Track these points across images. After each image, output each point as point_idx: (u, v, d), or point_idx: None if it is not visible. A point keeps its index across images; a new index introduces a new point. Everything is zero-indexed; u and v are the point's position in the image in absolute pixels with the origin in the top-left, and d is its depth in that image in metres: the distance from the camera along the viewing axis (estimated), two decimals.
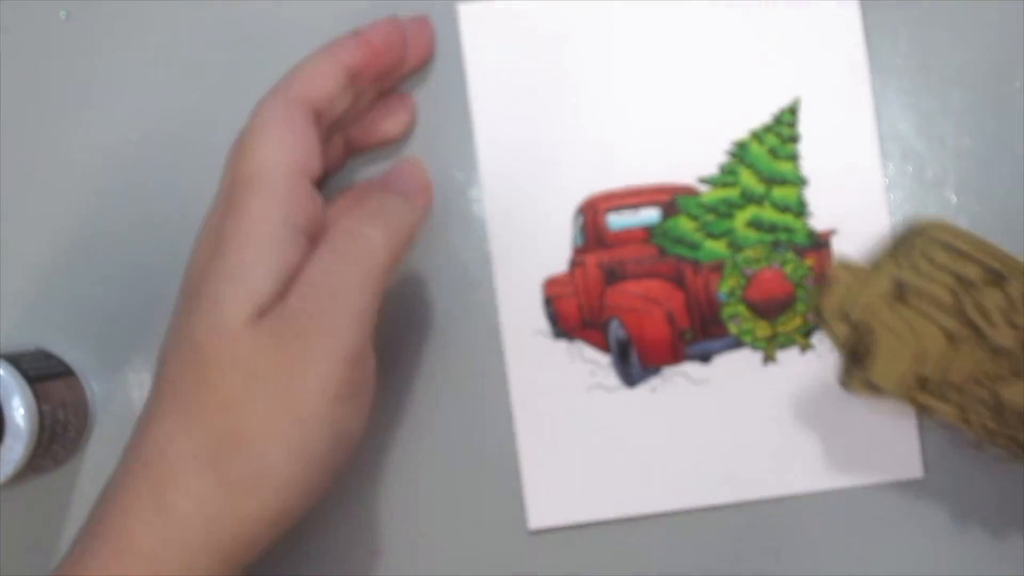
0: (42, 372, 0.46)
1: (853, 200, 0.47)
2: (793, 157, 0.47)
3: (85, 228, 0.49)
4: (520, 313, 0.48)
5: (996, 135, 0.48)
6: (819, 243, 0.47)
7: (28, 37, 0.49)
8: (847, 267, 0.46)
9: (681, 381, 0.48)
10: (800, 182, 0.47)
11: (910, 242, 0.45)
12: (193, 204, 0.48)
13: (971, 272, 0.45)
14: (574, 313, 0.48)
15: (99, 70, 0.49)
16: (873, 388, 0.45)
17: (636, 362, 0.48)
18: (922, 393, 0.45)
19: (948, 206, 0.48)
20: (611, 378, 0.48)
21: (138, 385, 0.49)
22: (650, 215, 0.47)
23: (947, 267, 0.44)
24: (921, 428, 0.47)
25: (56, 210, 0.49)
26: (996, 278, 0.44)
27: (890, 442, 0.47)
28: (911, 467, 0.47)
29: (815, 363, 0.47)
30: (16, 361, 0.45)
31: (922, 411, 0.46)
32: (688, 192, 0.47)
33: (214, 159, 0.48)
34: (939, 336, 0.45)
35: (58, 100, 0.49)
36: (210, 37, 0.49)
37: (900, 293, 0.44)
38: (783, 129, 0.47)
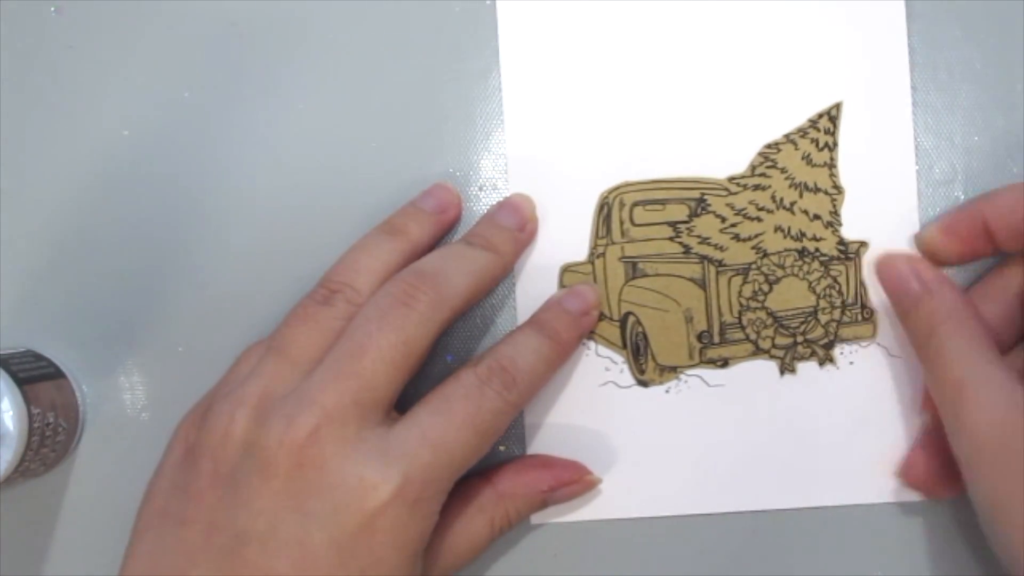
0: (32, 374, 0.45)
1: (884, 211, 0.47)
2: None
3: (75, 228, 0.48)
4: (537, 302, 0.47)
5: (1005, 132, 0.47)
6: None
7: (18, 32, 0.48)
8: (575, 271, 0.47)
9: (696, 384, 0.47)
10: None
11: (608, 218, 0.46)
12: (186, 202, 0.48)
13: (677, 212, 0.46)
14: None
15: (90, 66, 0.48)
16: (669, 370, 0.46)
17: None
18: (712, 348, 0.46)
19: (956, 204, 0.47)
20: (625, 375, 0.47)
21: (129, 388, 0.48)
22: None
23: (654, 220, 0.46)
24: None
25: (46, 210, 0.48)
26: (700, 205, 0.46)
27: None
28: None
29: (833, 376, 0.47)
30: (5, 363, 0.44)
31: (724, 365, 0.47)
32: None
33: (207, 157, 0.48)
34: (690, 287, 0.47)
35: (49, 99, 0.48)
36: (201, 32, 0.48)
37: (634, 269, 0.46)
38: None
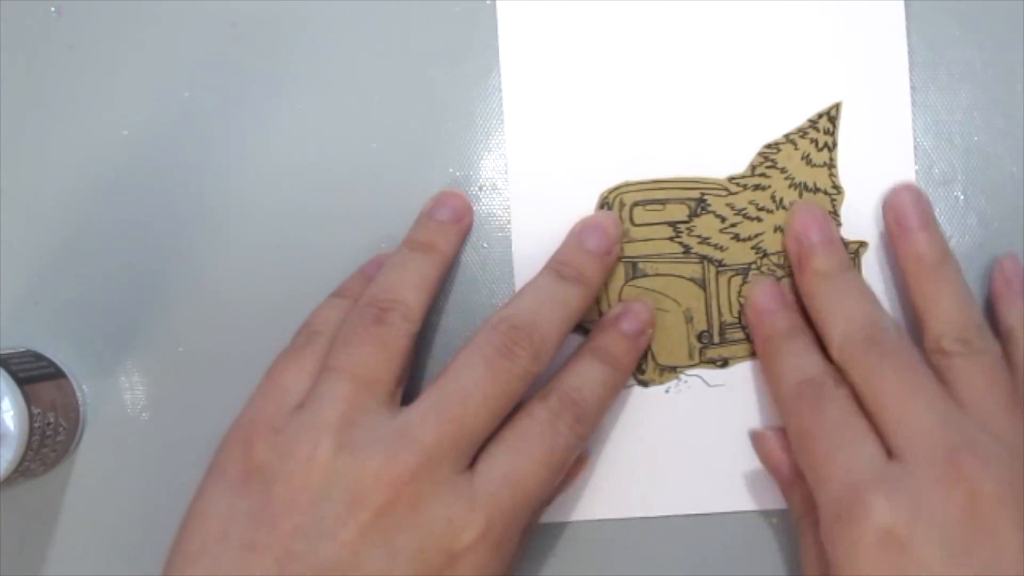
0: (32, 374, 0.45)
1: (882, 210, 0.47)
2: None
3: (76, 228, 0.48)
4: None
5: (1004, 132, 0.47)
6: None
7: (18, 32, 0.48)
8: None
9: (696, 384, 0.47)
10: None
11: None
12: (186, 202, 0.48)
13: (677, 212, 0.46)
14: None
15: (90, 66, 0.48)
16: (669, 370, 0.46)
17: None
18: (712, 348, 0.46)
19: (955, 204, 0.47)
20: None
21: (129, 387, 0.48)
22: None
23: (654, 220, 0.46)
24: None
25: (47, 210, 0.48)
26: (700, 205, 0.46)
27: None
28: None
29: None
30: (6, 363, 0.44)
31: (723, 365, 0.47)
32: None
33: (207, 158, 0.48)
34: (690, 287, 0.47)
35: (49, 99, 0.48)
36: (201, 32, 0.48)
37: (634, 269, 0.46)
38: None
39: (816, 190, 0.47)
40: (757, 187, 0.47)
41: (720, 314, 0.47)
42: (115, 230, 0.48)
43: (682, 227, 0.47)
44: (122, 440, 0.48)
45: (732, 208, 0.47)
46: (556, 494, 0.46)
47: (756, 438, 0.46)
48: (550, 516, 0.47)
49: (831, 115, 0.47)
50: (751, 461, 0.47)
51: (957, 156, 0.47)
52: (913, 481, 0.39)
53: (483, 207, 0.48)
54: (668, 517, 0.47)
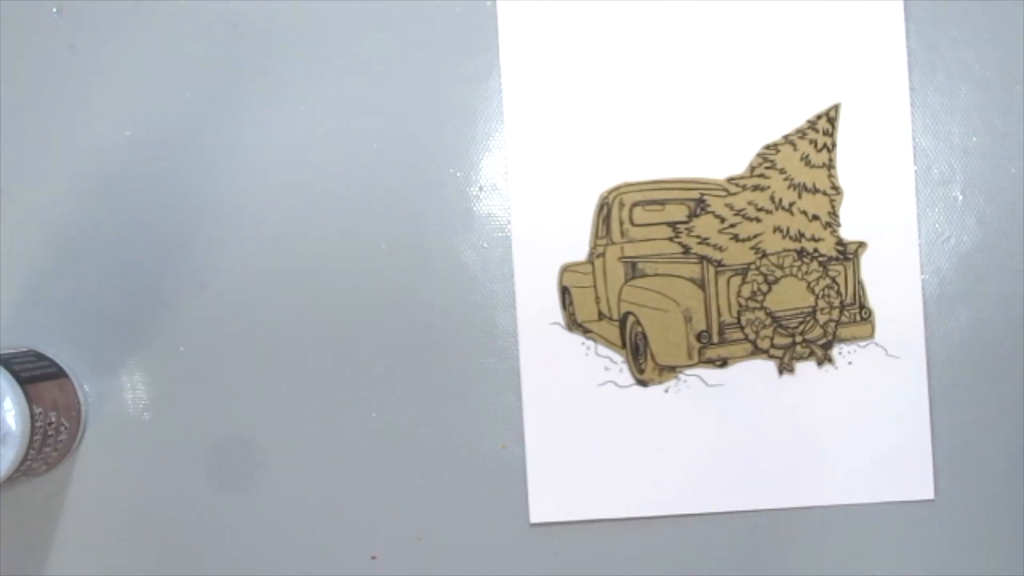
0: (34, 374, 0.45)
1: (882, 211, 0.47)
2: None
3: (77, 229, 0.48)
4: (536, 303, 0.47)
5: (1003, 133, 0.47)
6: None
7: (18, 32, 0.48)
8: (574, 271, 0.47)
9: (695, 383, 0.47)
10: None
11: (608, 218, 0.46)
12: (187, 202, 0.48)
13: (676, 212, 0.46)
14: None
15: (91, 66, 0.48)
16: (668, 369, 0.46)
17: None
18: (711, 348, 0.46)
19: (954, 204, 0.47)
20: (624, 375, 0.47)
21: (131, 387, 0.48)
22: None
23: (654, 220, 0.46)
24: (934, 449, 0.47)
25: (48, 210, 0.48)
26: (699, 205, 0.46)
27: (902, 462, 0.47)
28: (922, 488, 0.47)
29: (832, 376, 0.47)
30: (8, 363, 0.44)
31: (722, 364, 0.47)
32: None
33: (208, 158, 0.48)
34: (690, 287, 0.47)
35: (50, 99, 0.48)
36: (202, 33, 0.48)
37: (634, 269, 0.46)
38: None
39: (815, 191, 0.47)
40: (756, 188, 0.47)
41: (719, 314, 0.47)
42: (116, 230, 0.48)
43: (681, 227, 0.47)
44: (123, 439, 0.48)
45: (731, 208, 0.47)
46: None
47: None
48: (550, 516, 0.47)
49: (830, 116, 0.47)
50: (749, 461, 0.47)
51: (956, 156, 0.47)
52: None
53: (483, 207, 0.48)
54: (668, 517, 0.47)
